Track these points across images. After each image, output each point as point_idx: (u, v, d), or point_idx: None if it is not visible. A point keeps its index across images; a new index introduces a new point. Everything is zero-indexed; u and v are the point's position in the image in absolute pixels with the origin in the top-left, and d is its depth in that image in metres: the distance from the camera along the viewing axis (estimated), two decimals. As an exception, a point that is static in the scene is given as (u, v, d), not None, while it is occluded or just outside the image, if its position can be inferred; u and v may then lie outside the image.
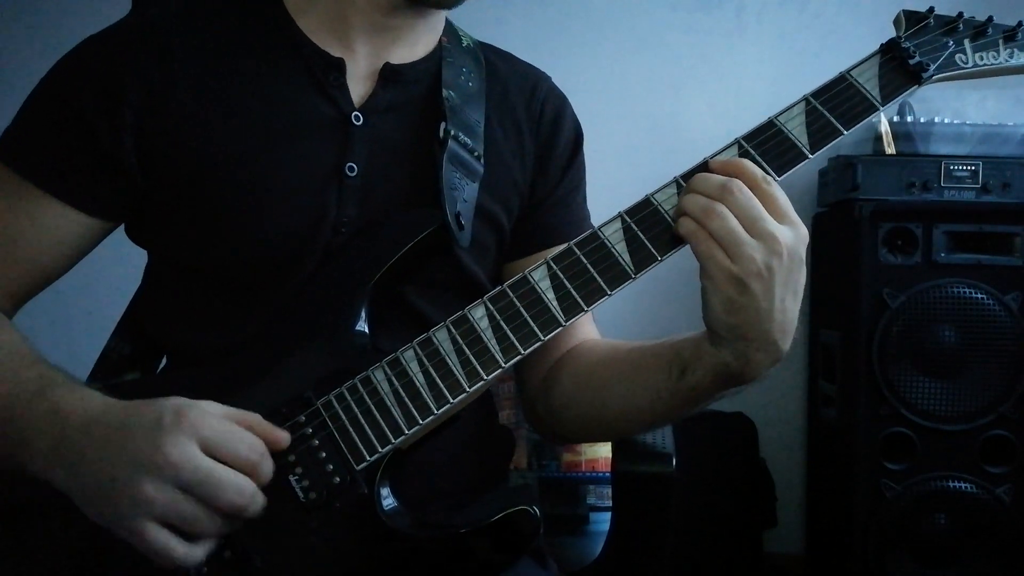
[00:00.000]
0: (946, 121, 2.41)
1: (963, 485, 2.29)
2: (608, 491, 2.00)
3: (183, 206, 1.05)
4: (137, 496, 0.83)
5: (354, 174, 1.06)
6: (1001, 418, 2.29)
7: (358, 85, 1.09)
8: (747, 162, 0.93)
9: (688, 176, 0.96)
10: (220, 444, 0.85)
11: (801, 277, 0.92)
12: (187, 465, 0.83)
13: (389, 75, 1.10)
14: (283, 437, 0.91)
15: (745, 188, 0.90)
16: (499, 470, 1.23)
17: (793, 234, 0.91)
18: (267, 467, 0.88)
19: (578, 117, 1.25)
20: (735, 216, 0.89)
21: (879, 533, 2.32)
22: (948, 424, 2.29)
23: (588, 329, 1.19)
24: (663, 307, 2.29)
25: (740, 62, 2.82)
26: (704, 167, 0.95)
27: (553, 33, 2.82)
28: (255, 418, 0.90)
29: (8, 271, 1.06)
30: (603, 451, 2.15)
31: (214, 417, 0.86)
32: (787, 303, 0.91)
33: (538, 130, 1.19)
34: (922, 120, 2.41)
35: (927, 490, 2.30)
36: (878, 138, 2.40)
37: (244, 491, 0.86)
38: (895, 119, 2.40)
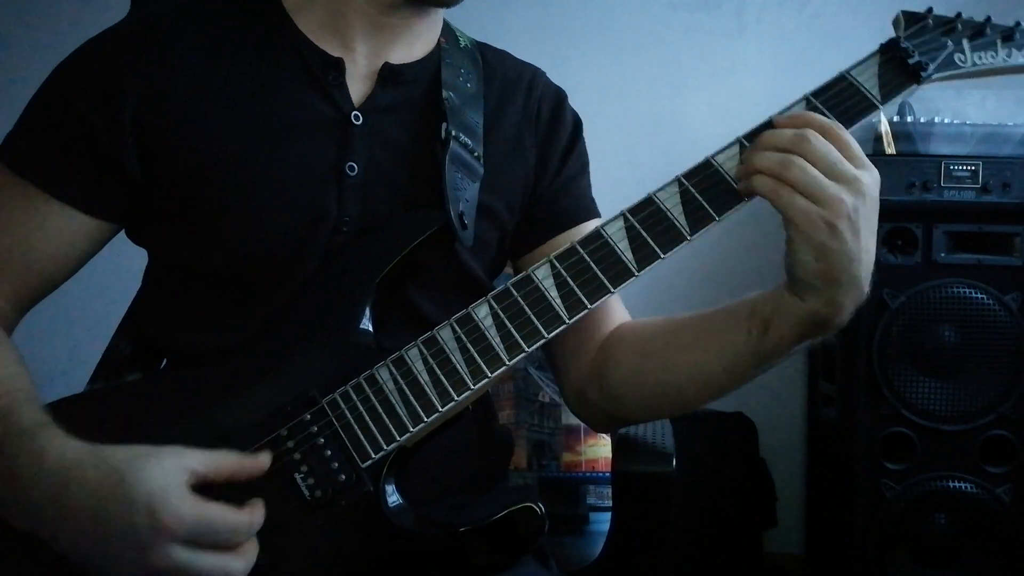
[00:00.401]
0: (946, 121, 2.41)
1: (963, 485, 2.29)
2: (608, 491, 1.99)
3: (183, 206, 1.06)
4: None
5: (354, 173, 1.06)
6: (1001, 418, 2.29)
7: (357, 85, 1.10)
8: (813, 113, 0.94)
9: (752, 136, 0.96)
10: (202, 538, 0.84)
11: (876, 219, 0.93)
12: (173, 569, 0.83)
13: (388, 75, 1.10)
14: (263, 463, 0.91)
15: (819, 136, 0.91)
16: (499, 470, 1.23)
17: (871, 177, 0.92)
18: (256, 525, 0.88)
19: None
20: (812, 164, 0.90)
21: (879, 533, 2.32)
22: (948, 424, 2.29)
23: (622, 312, 1.19)
24: (667, 307, 2.29)
25: (740, 62, 2.82)
26: (769, 126, 0.96)
27: (553, 33, 2.82)
28: (230, 462, 0.89)
29: (12, 275, 1.06)
30: (603, 451, 2.14)
31: (188, 507, 0.84)
32: (870, 244, 0.93)
33: (537, 127, 1.19)
34: (922, 120, 2.41)
35: (927, 490, 2.30)
36: (878, 138, 2.40)
37: (236, 571, 0.86)
38: (895, 119, 2.39)
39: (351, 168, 1.06)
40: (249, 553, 0.87)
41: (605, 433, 2.00)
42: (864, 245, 0.92)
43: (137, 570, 0.84)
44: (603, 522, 1.82)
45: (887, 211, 2.32)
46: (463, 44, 1.19)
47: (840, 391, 2.47)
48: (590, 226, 0.99)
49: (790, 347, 0.99)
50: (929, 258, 2.31)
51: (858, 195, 0.90)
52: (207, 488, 0.86)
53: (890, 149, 2.38)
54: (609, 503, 1.66)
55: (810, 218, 0.89)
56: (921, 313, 2.30)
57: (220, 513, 0.85)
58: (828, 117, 0.96)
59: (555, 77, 1.27)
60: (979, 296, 2.29)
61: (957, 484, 2.29)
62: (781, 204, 0.91)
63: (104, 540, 0.84)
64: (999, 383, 2.29)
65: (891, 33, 1.04)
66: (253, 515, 0.87)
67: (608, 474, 1.91)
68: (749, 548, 2.68)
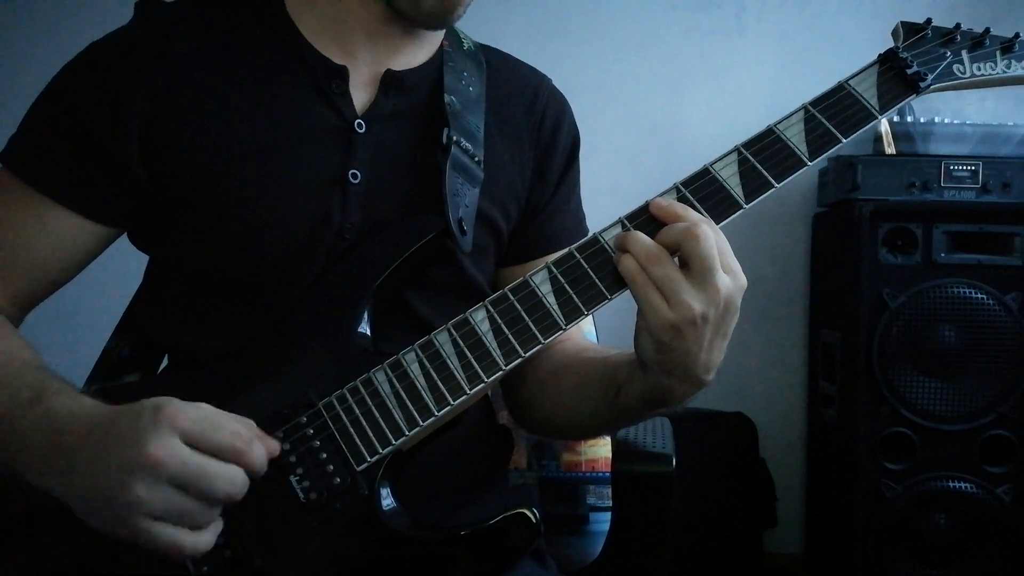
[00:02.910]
0: (946, 121, 2.41)
1: (963, 485, 2.30)
2: (608, 491, 1.99)
3: (187, 211, 1.06)
4: (130, 499, 0.83)
5: (357, 181, 1.06)
6: (1001, 418, 2.29)
7: (360, 92, 1.09)
8: (687, 208, 0.94)
9: (633, 218, 0.96)
10: (201, 435, 0.84)
11: (733, 321, 0.94)
12: (172, 461, 0.82)
13: (391, 82, 1.10)
14: (273, 446, 0.91)
15: (707, 234, 0.90)
16: (498, 470, 1.23)
17: (733, 284, 0.91)
18: (258, 452, 0.87)
19: (579, 117, 1.25)
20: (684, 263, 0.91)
21: (879, 533, 2.32)
22: (948, 424, 2.30)
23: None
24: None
25: (740, 62, 2.83)
26: (645, 209, 0.96)
27: (553, 33, 2.82)
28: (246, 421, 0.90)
29: (15, 277, 1.07)
30: (603, 451, 2.14)
31: (193, 408, 0.85)
32: (715, 345, 0.93)
33: (538, 136, 1.19)
34: (922, 120, 2.41)
35: (927, 490, 2.30)
36: (878, 138, 2.41)
37: (234, 481, 0.85)
38: (895, 119, 2.40)
39: (354, 176, 1.06)
40: (246, 475, 0.86)
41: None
42: (706, 346, 0.92)
43: (136, 461, 0.82)
44: (603, 522, 1.82)
45: (887, 211, 2.36)
46: (466, 47, 1.19)
47: (840, 391, 2.48)
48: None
49: (640, 412, 1.03)
50: (929, 258, 2.32)
51: (711, 305, 0.90)
52: None
53: (890, 149, 2.39)
54: (609, 503, 1.66)
55: (658, 316, 0.90)
56: (921, 313, 2.30)
57: (225, 418, 0.86)
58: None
59: (555, 77, 1.26)
60: (979, 296, 2.29)
61: (957, 484, 2.30)
62: (636, 293, 0.92)
63: (110, 447, 0.84)
64: (999, 383, 2.29)
65: (890, 33, 1.05)
66: (256, 439, 0.87)
67: (608, 474, 1.91)
68: (749, 548, 2.68)
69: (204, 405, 0.87)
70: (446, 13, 1.06)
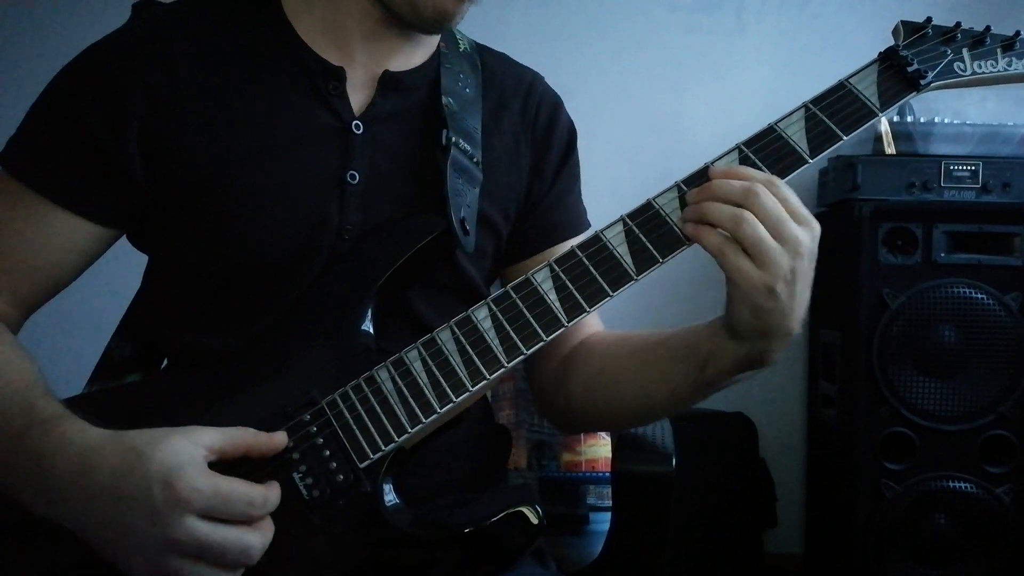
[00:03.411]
0: (946, 121, 2.41)
1: (963, 485, 2.30)
2: (608, 491, 1.99)
3: (186, 212, 1.06)
4: (153, 562, 0.85)
5: (355, 182, 1.07)
6: (1001, 418, 2.29)
7: (357, 93, 1.10)
8: (750, 168, 0.95)
9: (690, 182, 0.97)
10: (217, 511, 0.85)
11: (813, 270, 0.95)
12: (190, 541, 0.84)
13: (388, 83, 1.10)
14: (279, 440, 0.92)
15: (767, 191, 0.92)
16: (497, 469, 1.23)
17: (810, 234, 0.93)
18: (272, 502, 0.88)
19: (578, 117, 1.26)
20: (762, 221, 0.91)
21: (879, 533, 2.32)
22: (948, 424, 2.30)
23: (594, 322, 1.20)
24: (667, 308, 2.30)
25: (740, 62, 2.83)
26: (704, 173, 0.97)
27: (553, 33, 2.82)
28: (246, 437, 0.90)
29: (16, 280, 1.07)
30: (603, 451, 2.14)
31: (204, 479, 0.85)
32: (804, 295, 0.95)
33: (533, 134, 1.19)
34: (922, 120, 2.41)
35: (927, 490, 2.30)
36: (878, 138, 2.41)
37: (251, 549, 0.86)
38: (895, 119, 2.40)
39: (352, 177, 1.07)
40: (266, 529, 0.88)
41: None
42: (799, 300, 0.94)
43: (156, 544, 0.84)
44: (603, 522, 1.82)
45: (887, 211, 2.36)
46: (462, 48, 1.19)
47: (840, 391, 2.48)
48: (580, 239, 0.99)
49: (726, 382, 1.03)
50: (929, 258, 2.32)
51: (797, 257, 0.91)
52: (223, 470, 0.87)
53: (890, 149, 2.39)
54: (609, 503, 1.66)
55: (752, 282, 0.91)
56: (921, 313, 2.30)
57: (236, 486, 0.86)
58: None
59: (555, 78, 1.27)
60: (979, 296, 2.29)
61: (957, 484, 2.30)
62: (726, 264, 0.93)
63: (123, 516, 0.85)
64: (999, 383, 2.29)
65: (890, 32, 1.05)
66: (269, 491, 0.88)
67: (608, 474, 1.91)
68: (749, 548, 2.68)
69: (205, 455, 0.86)
70: (444, 19, 1.06)
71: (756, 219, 0.91)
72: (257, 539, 0.87)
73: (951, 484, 2.30)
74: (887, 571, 2.32)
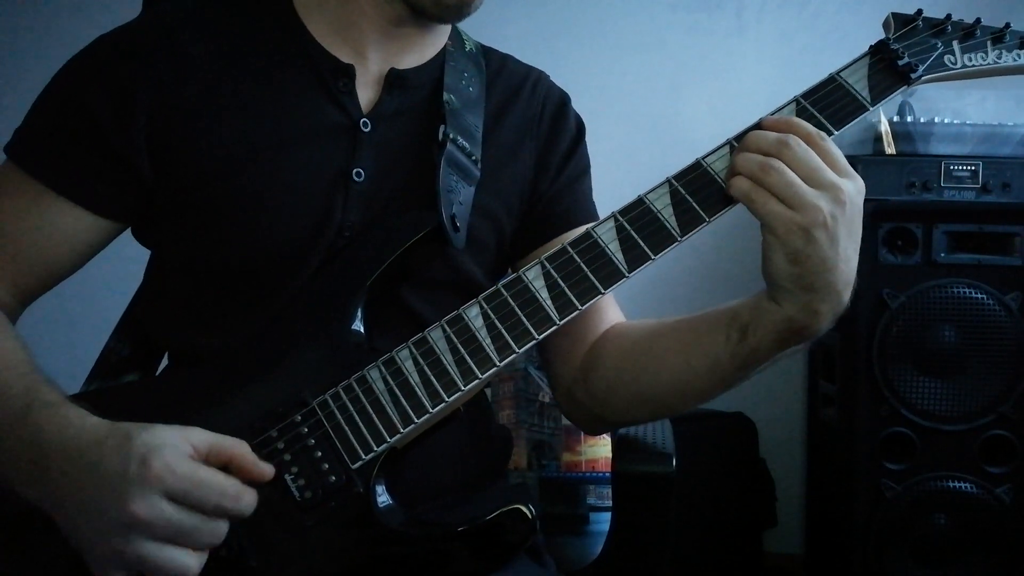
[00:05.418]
0: (946, 121, 2.40)
1: (963, 485, 2.29)
2: (608, 491, 1.99)
3: (191, 207, 1.06)
4: (113, 547, 0.85)
5: (361, 179, 1.07)
6: (1001, 418, 2.28)
7: (365, 91, 1.10)
8: (799, 120, 0.95)
9: (740, 137, 0.96)
10: (185, 495, 0.84)
11: (859, 229, 0.93)
12: (156, 522, 0.83)
13: (395, 80, 1.11)
14: (266, 471, 0.90)
15: (801, 142, 0.91)
16: (496, 469, 1.23)
17: (854, 185, 0.92)
18: (246, 503, 0.87)
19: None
20: (793, 169, 0.90)
21: (879, 533, 2.31)
22: (948, 424, 2.29)
23: (615, 314, 1.19)
24: (665, 307, 2.29)
25: (740, 62, 2.82)
26: (758, 127, 0.96)
27: (553, 33, 2.82)
28: (236, 449, 0.89)
29: (18, 269, 1.07)
30: (603, 451, 2.14)
31: (182, 463, 0.85)
32: (849, 253, 0.93)
33: (538, 131, 1.19)
34: (922, 120, 2.40)
35: (927, 490, 2.30)
36: (878, 138, 2.40)
37: (217, 535, 0.86)
38: (895, 119, 2.39)
39: (358, 174, 1.07)
40: (235, 514, 0.87)
41: (595, 434, 2.01)
42: (843, 254, 0.92)
43: (120, 525, 0.83)
44: (603, 522, 1.82)
45: (887, 211, 2.35)
46: (468, 48, 1.20)
47: (840, 391, 2.47)
48: (581, 231, 0.99)
49: (769, 353, 1.00)
50: (929, 258, 2.31)
51: (837, 203, 0.90)
52: None
53: (890, 149, 2.38)
54: (609, 503, 1.66)
55: (785, 224, 0.90)
56: (921, 313, 2.30)
57: (212, 475, 0.86)
58: (820, 120, 0.97)
59: (555, 77, 1.27)
60: (979, 296, 2.29)
61: (957, 484, 2.29)
62: (756, 209, 0.92)
63: (97, 493, 0.85)
64: (999, 383, 2.28)
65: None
66: (244, 490, 0.87)
67: (608, 474, 1.91)
68: (749, 548, 2.68)
69: (191, 451, 0.86)
70: (464, 5, 1.06)
71: (785, 167, 0.90)
72: (224, 528, 0.86)
73: (951, 484, 2.29)
74: (887, 571, 2.31)
